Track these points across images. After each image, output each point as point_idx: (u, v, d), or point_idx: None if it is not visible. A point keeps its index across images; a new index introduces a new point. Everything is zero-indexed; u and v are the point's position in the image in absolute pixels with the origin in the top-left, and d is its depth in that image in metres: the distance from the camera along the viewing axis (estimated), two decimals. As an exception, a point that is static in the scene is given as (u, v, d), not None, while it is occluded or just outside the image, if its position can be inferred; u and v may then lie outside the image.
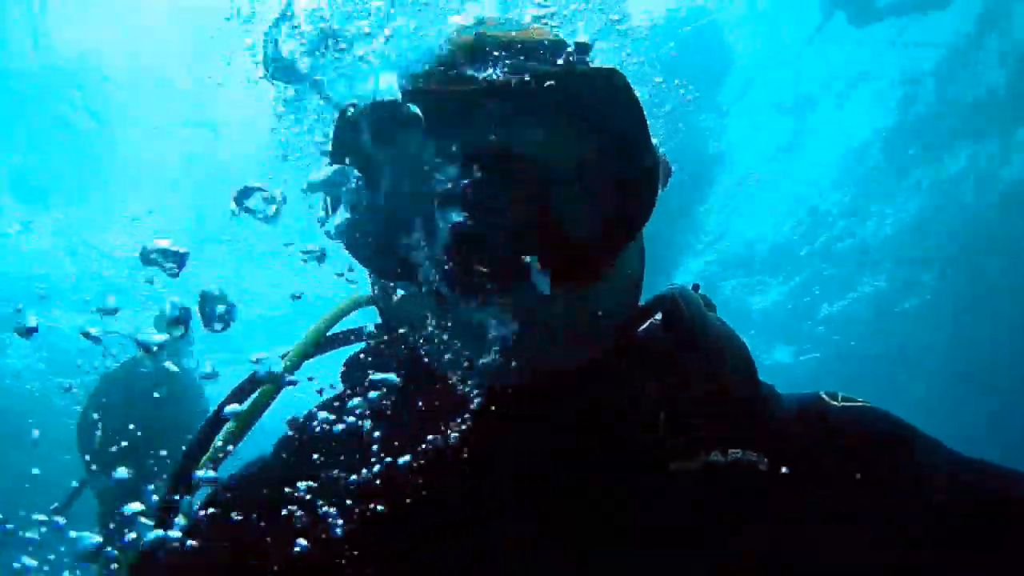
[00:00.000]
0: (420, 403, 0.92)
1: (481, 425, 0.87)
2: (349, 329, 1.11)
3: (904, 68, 10.73)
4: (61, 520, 1.20)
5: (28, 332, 1.19)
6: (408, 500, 0.87)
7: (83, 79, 9.37)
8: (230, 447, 1.02)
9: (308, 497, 0.90)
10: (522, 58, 0.90)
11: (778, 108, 11.42)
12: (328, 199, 0.88)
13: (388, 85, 0.87)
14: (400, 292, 0.90)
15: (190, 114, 9.72)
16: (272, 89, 0.96)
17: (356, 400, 0.93)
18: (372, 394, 0.93)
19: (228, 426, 1.03)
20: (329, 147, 0.87)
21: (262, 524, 0.91)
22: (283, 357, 1.06)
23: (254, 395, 1.04)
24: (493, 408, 0.86)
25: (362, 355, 1.03)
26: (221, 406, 1.05)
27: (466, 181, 0.81)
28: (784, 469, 0.89)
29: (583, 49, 0.94)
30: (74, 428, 5.48)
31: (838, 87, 11.16)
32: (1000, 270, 13.99)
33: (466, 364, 0.85)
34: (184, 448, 1.03)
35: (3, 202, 10.79)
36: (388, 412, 0.93)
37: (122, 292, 11.13)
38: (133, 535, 0.97)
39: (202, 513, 0.97)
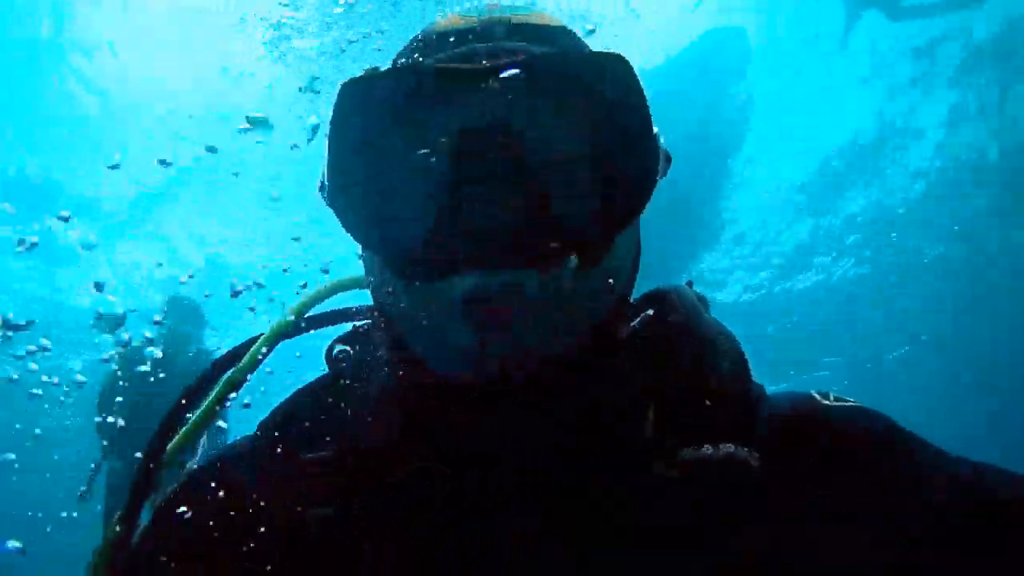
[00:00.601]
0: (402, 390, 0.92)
1: (471, 415, 0.86)
2: (336, 309, 1.10)
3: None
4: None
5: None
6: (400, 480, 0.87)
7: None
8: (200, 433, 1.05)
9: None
10: (527, 40, 0.90)
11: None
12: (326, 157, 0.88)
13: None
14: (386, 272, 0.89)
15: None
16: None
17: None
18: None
19: (195, 415, 1.05)
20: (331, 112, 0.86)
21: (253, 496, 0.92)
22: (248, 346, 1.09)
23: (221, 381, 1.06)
24: (480, 398, 0.85)
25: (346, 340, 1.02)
26: (187, 391, 1.07)
27: (459, 155, 0.80)
28: (778, 466, 0.87)
29: (588, 35, 0.93)
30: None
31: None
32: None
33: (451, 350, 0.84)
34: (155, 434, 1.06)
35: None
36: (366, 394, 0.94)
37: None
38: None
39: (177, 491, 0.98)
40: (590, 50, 0.95)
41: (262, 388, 1.47)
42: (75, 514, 6.16)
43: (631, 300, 1.00)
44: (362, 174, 0.87)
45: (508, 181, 0.80)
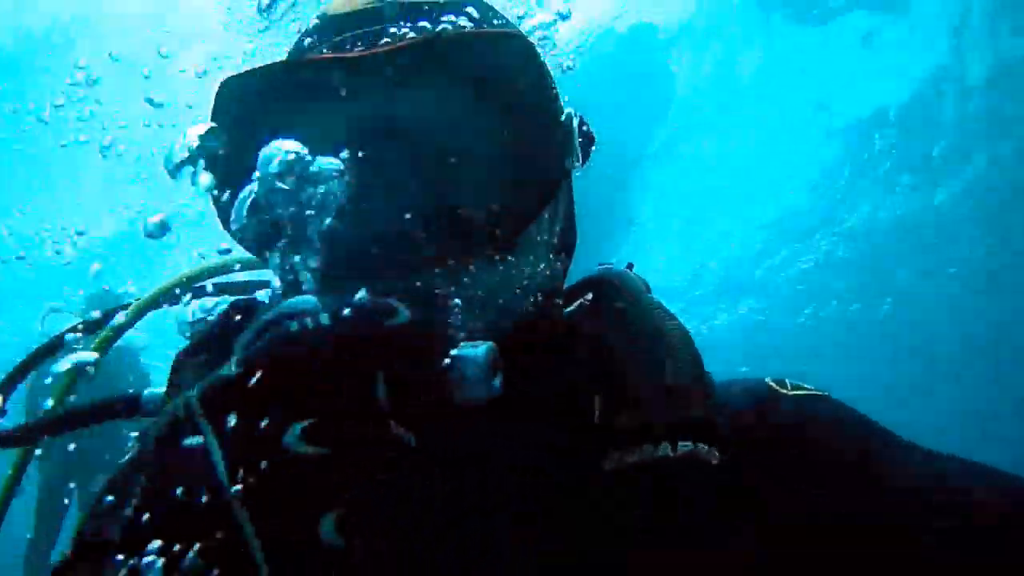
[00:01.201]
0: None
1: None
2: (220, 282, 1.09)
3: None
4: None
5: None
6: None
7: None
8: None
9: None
10: (418, 21, 0.84)
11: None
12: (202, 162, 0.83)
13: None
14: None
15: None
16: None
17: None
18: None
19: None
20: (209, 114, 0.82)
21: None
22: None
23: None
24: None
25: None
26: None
27: (347, 158, 0.76)
28: (739, 462, 0.82)
29: (486, 8, 0.87)
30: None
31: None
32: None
33: None
34: None
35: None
36: None
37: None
38: None
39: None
40: (486, 29, 0.88)
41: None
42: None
43: (563, 286, 0.94)
44: (238, 178, 0.81)
45: (396, 181, 0.77)
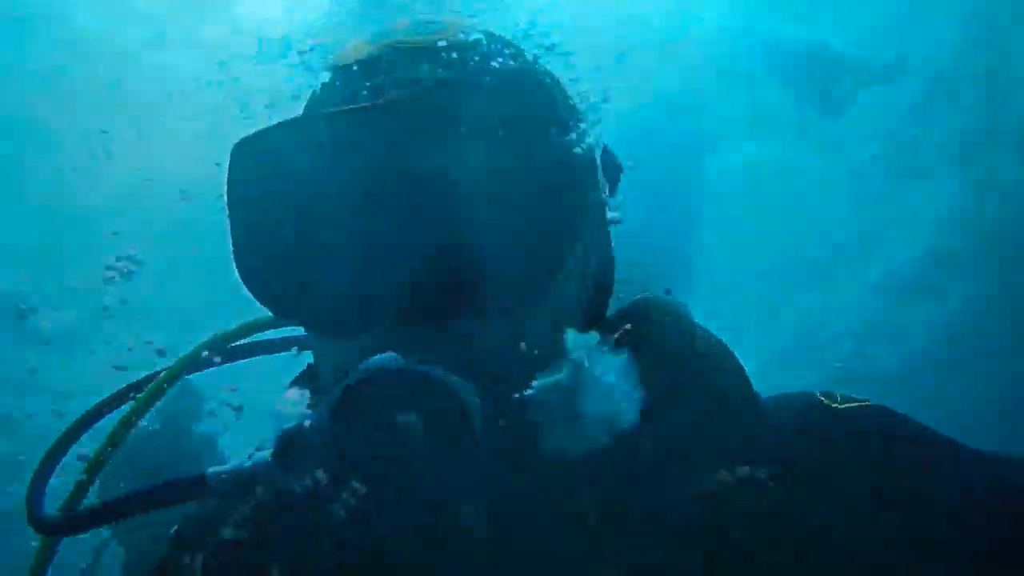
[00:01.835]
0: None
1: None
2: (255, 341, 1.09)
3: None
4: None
5: None
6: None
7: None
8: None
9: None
10: (427, 65, 0.84)
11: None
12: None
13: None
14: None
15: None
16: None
17: None
18: None
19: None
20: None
21: None
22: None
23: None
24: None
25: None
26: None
27: (363, 209, 0.77)
28: (795, 482, 0.81)
29: (500, 45, 0.87)
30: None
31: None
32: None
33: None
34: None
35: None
36: None
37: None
38: None
39: None
40: (494, 71, 0.87)
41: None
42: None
43: (604, 319, 0.94)
44: (262, 239, 0.83)
45: (415, 233, 0.77)
